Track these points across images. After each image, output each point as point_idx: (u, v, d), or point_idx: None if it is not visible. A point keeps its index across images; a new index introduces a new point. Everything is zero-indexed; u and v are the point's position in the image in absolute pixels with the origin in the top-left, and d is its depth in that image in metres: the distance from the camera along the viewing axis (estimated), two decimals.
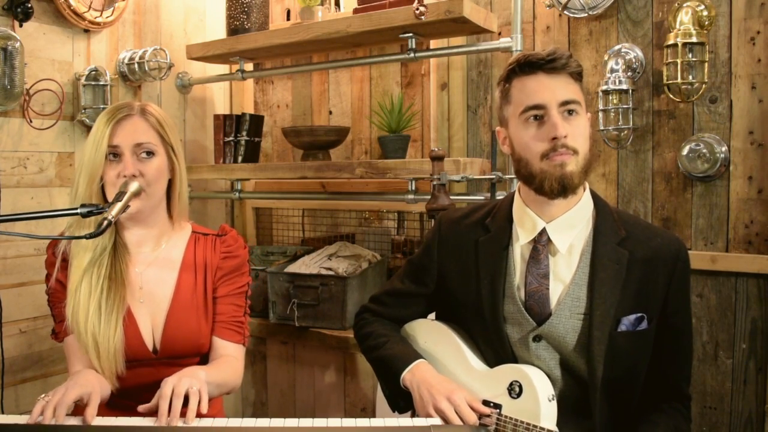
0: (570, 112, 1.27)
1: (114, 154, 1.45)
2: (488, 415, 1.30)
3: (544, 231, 1.33)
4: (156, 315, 1.51)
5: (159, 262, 1.54)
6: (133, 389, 1.47)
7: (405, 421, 1.27)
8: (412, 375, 1.39)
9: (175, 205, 1.56)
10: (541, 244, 1.33)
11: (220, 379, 1.42)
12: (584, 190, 1.36)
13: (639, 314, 1.29)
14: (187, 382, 1.26)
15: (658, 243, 1.32)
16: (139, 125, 1.47)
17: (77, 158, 2.30)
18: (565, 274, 1.32)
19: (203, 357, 1.57)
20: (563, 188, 1.27)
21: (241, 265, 1.61)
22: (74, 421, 1.24)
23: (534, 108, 1.28)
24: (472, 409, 1.30)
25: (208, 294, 1.56)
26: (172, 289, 1.53)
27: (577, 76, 1.30)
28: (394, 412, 1.49)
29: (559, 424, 1.27)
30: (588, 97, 2.05)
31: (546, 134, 1.26)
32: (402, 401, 1.44)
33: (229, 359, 1.53)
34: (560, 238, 1.32)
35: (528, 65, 1.29)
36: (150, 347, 1.49)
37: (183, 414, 1.23)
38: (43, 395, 1.25)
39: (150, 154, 1.47)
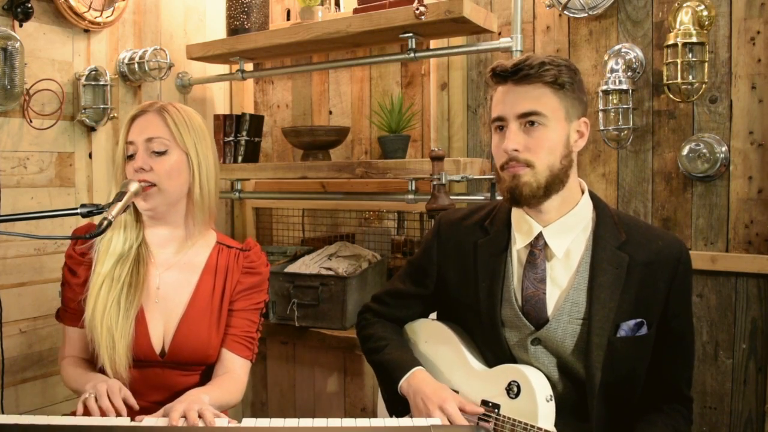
0: (531, 123, 1.26)
1: (131, 154, 1.48)
2: (485, 416, 1.31)
3: (540, 235, 1.33)
4: (169, 319, 1.50)
5: (180, 266, 1.54)
6: (138, 388, 1.47)
7: (405, 421, 1.27)
8: (408, 384, 1.40)
9: (195, 210, 1.53)
10: (537, 249, 1.33)
11: (221, 401, 1.42)
12: (582, 194, 1.35)
13: (638, 319, 1.29)
14: (197, 407, 1.25)
15: (659, 246, 1.31)
16: (153, 121, 1.49)
17: (78, 158, 2.30)
18: (563, 278, 1.32)
19: (209, 367, 1.56)
20: (513, 198, 1.29)
21: (261, 283, 1.60)
22: (67, 420, 1.25)
23: (497, 119, 1.30)
24: (466, 411, 1.32)
25: (224, 306, 1.54)
26: (188, 296, 1.52)
27: (555, 84, 1.26)
28: (391, 416, 1.49)
29: (557, 425, 1.27)
30: (588, 98, 2.05)
31: (502, 146, 1.28)
32: (400, 406, 1.45)
33: (233, 376, 1.52)
34: (557, 243, 1.32)
35: (496, 75, 1.30)
36: (158, 350, 1.48)
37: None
38: (86, 394, 1.28)
39: (162, 152, 1.47)
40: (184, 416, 1.23)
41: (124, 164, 1.49)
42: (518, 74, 1.26)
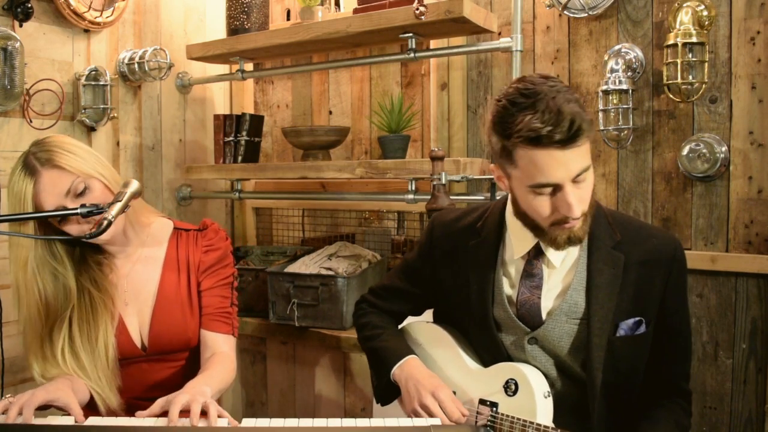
0: (581, 179, 1.19)
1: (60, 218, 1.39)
2: (479, 412, 1.32)
3: (538, 245, 1.32)
4: (142, 313, 1.52)
5: (142, 261, 1.56)
6: (126, 386, 1.48)
7: (405, 421, 1.27)
8: (401, 370, 1.41)
9: (126, 214, 1.49)
10: (535, 259, 1.33)
11: (220, 385, 1.42)
12: None
13: (637, 318, 1.29)
14: (201, 400, 1.23)
15: (654, 244, 1.31)
16: (54, 176, 1.38)
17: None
18: (560, 281, 1.32)
19: (192, 351, 1.57)
20: (571, 243, 1.26)
21: (224, 257, 1.61)
22: (68, 420, 1.25)
23: (547, 186, 1.19)
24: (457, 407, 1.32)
25: (192, 289, 1.57)
26: (156, 287, 1.54)
27: (590, 130, 1.18)
28: (377, 403, 1.51)
29: (556, 423, 1.28)
30: (588, 97, 2.05)
31: (558, 208, 1.20)
32: (388, 394, 1.47)
33: (222, 357, 1.51)
34: (555, 253, 1.31)
35: (540, 143, 1.14)
36: (139, 345, 1.50)
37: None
38: (8, 395, 1.24)
39: (83, 190, 1.40)
40: (185, 409, 1.21)
41: (58, 227, 1.41)
42: (574, 141, 1.14)
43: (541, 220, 1.24)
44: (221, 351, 1.53)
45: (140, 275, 1.55)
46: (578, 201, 1.19)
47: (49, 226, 1.43)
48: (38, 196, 1.37)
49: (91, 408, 1.42)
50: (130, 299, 1.52)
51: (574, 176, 1.17)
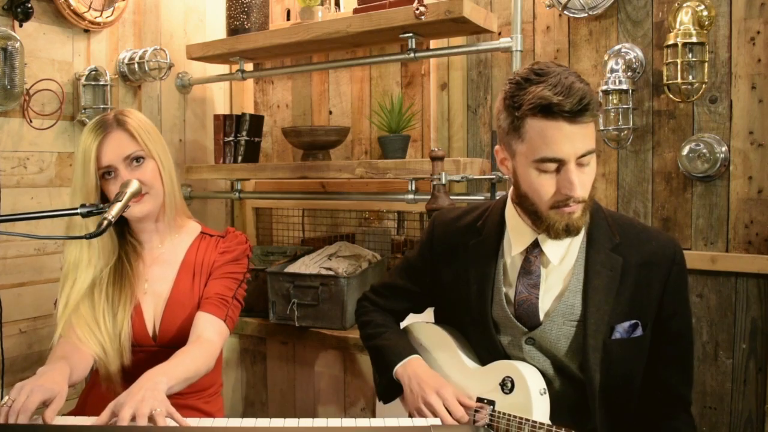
0: (585, 161, 1.21)
1: (108, 172, 1.52)
2: (476, 410, 1.32)
3: (536, 242, 1.32)
4: (157, 306, 1.59)
5: (163, 258, 1.63)
6: (137, 374, 1.47)
7: (405, 421, 1.27)
8: (404, 369, 1.41)
9: (167, 203, 1.59)
10: (533, 255, 1.32)
11: (186, 374, 1.37)
12: None
13: (633, 321, 1.29)
14: (148, 406, 1.19)
15: (653, 247, 1.31)
16: (122, 138, 1.52)
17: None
18: (558, 282, 1.32)
19: None
20: (568, 233, 1.25)
21: (237, 257, 1.66)
22: (67, 420, 1.25)
23: (552, 161, 1.20)
24: (461, 404, 1.32)
25: (203, 285, 1.62)
26: (170, 287, 1.60)
27: (598, 113, 1.20)
28: (380, 401, 1.51)
29: (554, 422, 1.28)
30: None
31: (560, 187, 1.21)
32: (390, 392, 1.46)
33: (201, 343, 1.48)
34: (553, 250, 1.31)
35: (550, 112, 1.17)
36: (150, 333, 1.57)
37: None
38: (5, 399, 1.23)
39: (140, 159, 1.53)
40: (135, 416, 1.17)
41: (99, 185, 1.52)
42: (583, 115, 1.16)
43: (542, 203, 1.24)
44: (204, 336, 1.50)
45: (158, 272, 1.61)
46: (581, 183, 1.20)
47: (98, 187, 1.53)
48: (101, 148, 1.50)
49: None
50: (148, 290, 1.60)
51: (579, 155, 1.19)
